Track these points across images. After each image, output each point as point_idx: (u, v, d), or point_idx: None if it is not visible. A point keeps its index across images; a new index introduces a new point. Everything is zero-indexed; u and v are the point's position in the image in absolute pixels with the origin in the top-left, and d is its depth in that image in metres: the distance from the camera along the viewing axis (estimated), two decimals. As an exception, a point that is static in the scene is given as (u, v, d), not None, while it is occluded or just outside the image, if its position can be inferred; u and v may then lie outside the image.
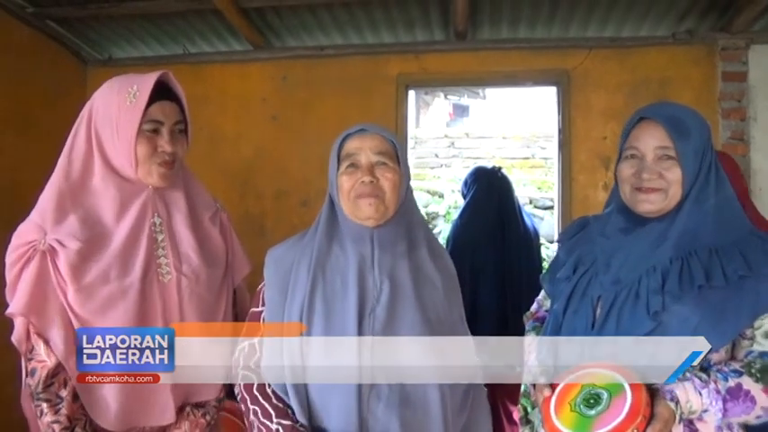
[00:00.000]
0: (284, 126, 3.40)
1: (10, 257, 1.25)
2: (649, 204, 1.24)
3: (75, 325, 1.23)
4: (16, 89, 2.92)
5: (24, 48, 3.03)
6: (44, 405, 1.20)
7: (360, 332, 1.20)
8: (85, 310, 1.23)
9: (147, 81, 1.29)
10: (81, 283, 1.23)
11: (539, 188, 6.58)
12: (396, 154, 1.29)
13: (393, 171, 1.27)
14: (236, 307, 1.49)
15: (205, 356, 1.35)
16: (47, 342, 1.22)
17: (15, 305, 1.22)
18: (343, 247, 1.28)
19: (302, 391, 1.20)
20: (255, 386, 1.24)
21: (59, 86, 3.25)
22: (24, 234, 1.26)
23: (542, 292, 1.54)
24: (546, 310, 1.49)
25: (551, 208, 5.70)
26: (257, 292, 1.33)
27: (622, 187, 1.29)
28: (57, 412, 1.20)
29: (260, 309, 1.30)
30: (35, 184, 3.29)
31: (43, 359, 1.22)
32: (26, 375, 1.26)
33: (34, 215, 1.28)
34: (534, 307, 1.56)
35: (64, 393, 1.22)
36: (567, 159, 3.24)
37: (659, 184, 1.23)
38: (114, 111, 1.30)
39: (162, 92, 1.32)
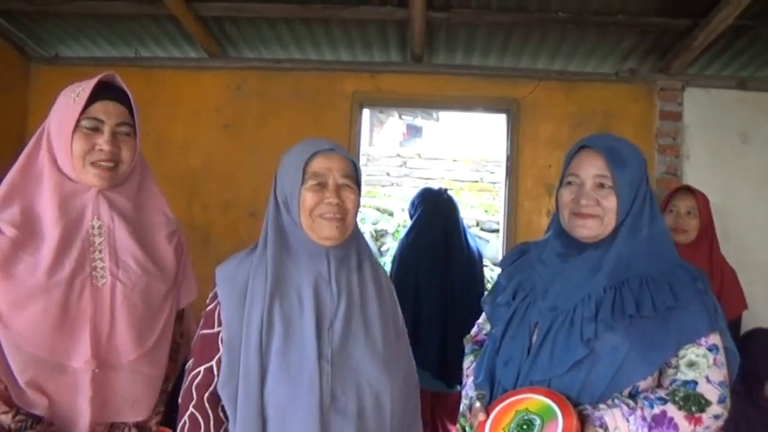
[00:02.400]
0: (235, 136, 3.36)
1: None
2: (586, 230, 1.28)
3: None
4: (-47, 82, 2.80)
5: (-37, 39, 2.90)
6: None
7: (319, 347, 1.19)
8: (5, 300, 1.20)
9: (92, 81, 1.29)
10: (5, 272, 1.21)
11: (486, 211, 6.72)
12: (356, 176, 1.31)
13: (355, 193, 1.29)
14: (180, 327, 1.46)
15: (132, 373, 1.30)
16: None
17: None
18: (297, 262, 1.27)
19: (258, 409, 1.16)
20: None
21: (2, 82, 3.11)
22: None
23: (483, 316, 1.56)
24: (486, 334, 1.51)
25: (497, 231, 5.83)
26: (209, 313, 1.27)
27: (562, 212, 1.33)
28: None
29: (216, 330, 1.24)
30: (-33, 180, 3.09)
31: None
32: None
33: None
34: (474, 330, 1.58)
35: None
36: (513, 185, 3.34)
37: (595, 210, 1.27)
38: (61, 109, 1.30)
39: (109, 92, 1.31)
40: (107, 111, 1.30)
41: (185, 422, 1.20)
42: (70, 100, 1.29)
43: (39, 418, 1.23)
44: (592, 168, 1.29)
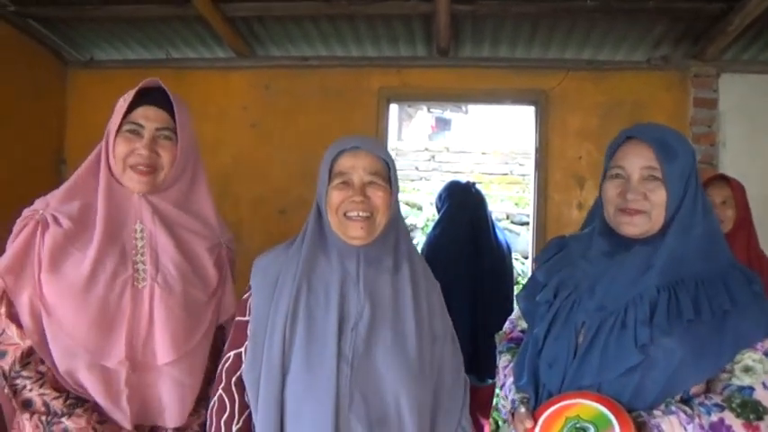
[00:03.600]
0: (264, 134, 3.40)
1: (16, 226, 1.31)
2: (633, 227, 1.21)
3: (37, 303, 1.26)
4: (-6, 87, 2.90)
5: (4, 46, 3.00)
6: (27, 383, 1.24)
7: (339, 346, 1.19)
8: (50, 291, 1.25)
9: (138, 86, 1.34)
10: (54, 264, 1.26)
11: (516, 204, 6.65)
12: (387, 173, 1.29)
13: (384, 190, 1.27)
14: (218, 344, 1.44)
15: (165, 377, 1.32)
16: (19, 326, 1.25)
17: None
18: (329, 259, 1.28)
19: (277, 399, 1.19)
20: (225, 416, 1.23)
21: (39, 86, 3.22)
22: (32, 205, 1.33)
23: (516, 311, 1.49)
24: (521, 331, 1.45)
25: (528, 224, 5.77)
26: (243, 301, 1.32)
27: (607, 208, 1.26)
28: (42, 386, 1.24)
29: (246, 318, 1.29)
30: (10, 182, 3.25)
31: (16, 342, 1.25)
32: None
33: (50, 193, 1.34)
34: (508, 326, 1.51)
35: (44, 369, 1.25)
36: (542, 177, 3.30)
37: (643, 206, 1.20)
38: (114, 113, 1.36)
39: (152, 98, 1.35)
40: (147, 116, 1.34)
41: (214, 403, 1.25)
42: (119, 104, 1.34)
43: (86, 400, 1.27)
44: (640, 159, 1.21)
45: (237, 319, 1.31)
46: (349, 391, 1.18)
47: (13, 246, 1.28)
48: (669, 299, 1.15)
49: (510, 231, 5.84)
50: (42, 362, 1.25)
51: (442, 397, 1.29)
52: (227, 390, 1.25)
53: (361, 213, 1.24)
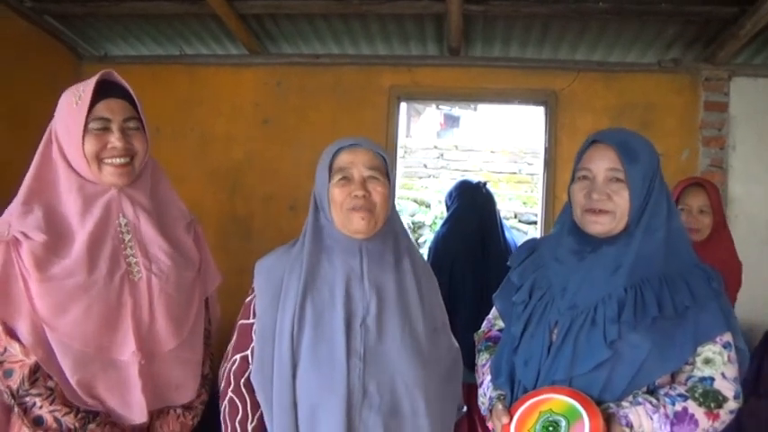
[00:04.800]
0: (275, 131, 3.44)
1: None
2: (599, 226, 1.28)
3: (37, 320, 1.23)
4: (11, 83, 2.94)
5: (20, 42, 3.04)
6: (37, 400, 1.22)
7: (348, 342, 1.22)
8: (46, 303, 1.23)
9: (91, 81, 1.29)
10: (44, 275, 1.23)
11: (524, 203, 6.65)
12: (385, 168, 1.33)
13: (383, 185, 1.30)
14: (208, 314, 1.51)
15: (174, 360, 1.36)
16: (21, 342, 1.22)
17: None
18: (331, 258, 1.30)
19: (291, 399, 1.21)
20: (239, 417, 1.25)
21: (54, 81, 3.26)
22: None
23: (493, 311, 1.55)
24: (498, 330, 1.51)
25: (535, 223, 5.77)
26: (247, 304, 1.33)
27: (575, 209, 1.33)
28: (52, 402, 1.22)
29: (251, 321, 1.31)
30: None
31: (20, 359, 1.22)
32: None
33: (5, 212, 1.30)
34: (485, 325, 1.57)
35: (52, 385, 1.24)
36: (551, 177, 3.31)
37: (608, 206, 1.26)
38: (65, 114, 1.32)
39: (110, 90, 1.32)
40: (111, 109, 1.30)
41: (226, 405, 1.28)
42: (73, 103, 1.29)
43: (97, 412, 1.27)
44: (604, 162, 1.28)
45: (241, 322, 1.33)
46: (362, 385, 1.21)
47: None
48: (636, 297, 1.22)
49: (517, 230, 5.84)
50: (50, 377, 1.23)
51: (443, 386, 1.34)
52: (237, 392, 1.27)
53: (363, 207, 1.27)
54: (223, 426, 1.28)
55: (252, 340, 1.29)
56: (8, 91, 2.93)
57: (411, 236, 1.45)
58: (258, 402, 1.26)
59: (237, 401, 1.27)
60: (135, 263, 1.33)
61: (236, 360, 1.30)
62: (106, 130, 1.30)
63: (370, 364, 1.22)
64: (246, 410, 1.26)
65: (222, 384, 1.31)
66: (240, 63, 3.48)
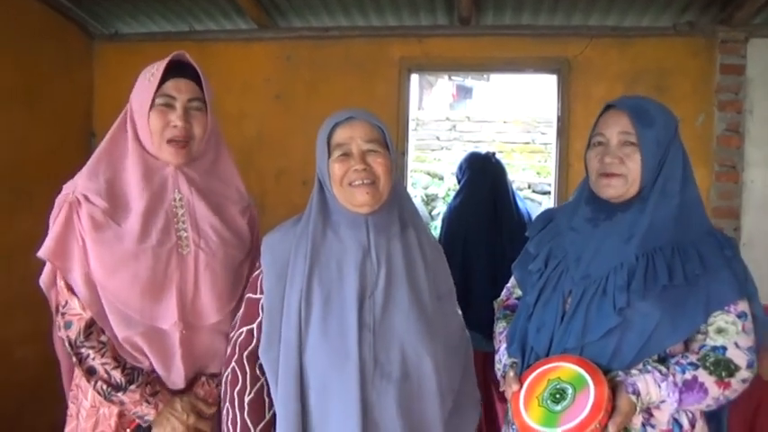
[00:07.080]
0: (287, 106, 3.43)
1: (53, 212, 1.37)
2: (612, 189, 1.29)
3: (91, 278, 1.32)
4: (23, 63, 2.96)
5: (32, 21, 3.05)
6: (90, 352, 1.32)
7: (360, 316, 1.24)
8: (99, 264, 1.32)
9: (165, 60, 1.37)
10: (98, 237, 1.32)
11: (538, 173, 6.62)
12: (384, 139, 1.32)
13: (383, 156, 1.30)
14: None
15: (214, 333, 1.42)
16: (79, 298, 1.32)
17: (43, 249, 1.33)
18: (338, 232, 1.31)
19: (296, 378, 1.23)
20: (238, 388, 1.28)
21: (66, 60, 3.28)
22: (63, 189, 1.38)
23: (512, 280, 1.58)
24: (516, 298, 1.54)
25: (549, 193, 5.75)
26: (254, 279, 1.36)
27: (590, 175, 1.35)
28: (103, 356, 1.33)
29: (258, 296, 1.32)
30: (41, 157, 3.35)
31: (79, 312, 1.33)
32: (58, 326, 1.36)
33: (76, 175, 1.39)
34: (504, 294, 1.60)
35: (105, 339, 1.34)
36: (564, 146, 3.29)
37: (620, 169, 1.28)
38: (140, 89, 1.40)
39: (180, 70, 1.39)
40: (178, 88, 1.38)
41: (228, 374, 1.31)
42: (146, 80, 1.38)
43: (141, 371, 1.36)
44: (616, 126, 1.30)
45: (249, 296, 1.35)
46: (373, 356, 1.23)
47: (53, 230, 1.34)
48: (647, 265, 1.24)
49: (531, 200, 5.83)
50: (103, 332, 1.33)
51: (451, 354, 1.35)
52: (240, 363, 1.30)
53: (365, 181, 1.27)
54: (223, 390, 1.32)
55: (258, 315, 1.31)
56: (22, 70, 2.94)
57: (414, 203, 1.46)
58: (257, 376, 1.29)
59: (239, 372, 1.29)
60: (185, 237, 1.39)
61: (242, 332, 1.32)
62: (170, 107, 1.38)
63: (380, 335, 1.24)
64: (246, 382, 1.28)
65: (228, 351, 1.34)
66: (250, 38, 3.46)
